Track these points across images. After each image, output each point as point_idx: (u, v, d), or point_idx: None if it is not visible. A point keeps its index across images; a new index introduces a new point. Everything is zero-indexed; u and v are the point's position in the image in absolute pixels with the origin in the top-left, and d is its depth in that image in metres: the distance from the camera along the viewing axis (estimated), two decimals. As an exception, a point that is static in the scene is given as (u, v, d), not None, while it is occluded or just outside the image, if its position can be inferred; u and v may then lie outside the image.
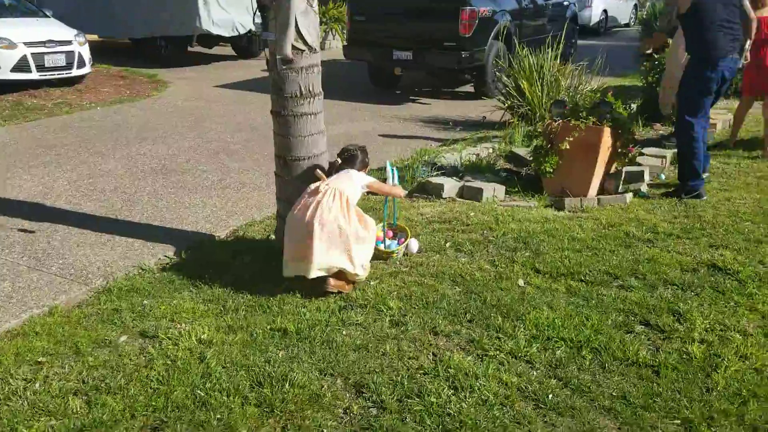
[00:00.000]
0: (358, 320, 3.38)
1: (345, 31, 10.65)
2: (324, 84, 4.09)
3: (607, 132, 5.40)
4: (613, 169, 5.68)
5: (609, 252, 4.21)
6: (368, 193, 4.43)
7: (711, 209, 5.03)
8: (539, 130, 5.66)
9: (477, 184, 5.56)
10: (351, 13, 10.00)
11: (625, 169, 5.77)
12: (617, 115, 5.57)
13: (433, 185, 5.55)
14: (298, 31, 3.84)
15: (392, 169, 4.33)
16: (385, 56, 9.77)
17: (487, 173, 5.99)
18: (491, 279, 3.84)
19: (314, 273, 3.62)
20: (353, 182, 3.90)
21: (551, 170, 5.50)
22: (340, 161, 4.10)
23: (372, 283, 3.79)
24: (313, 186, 3.83)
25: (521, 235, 4.51)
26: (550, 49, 8.24)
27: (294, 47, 3.85)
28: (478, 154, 6.66)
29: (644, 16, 10.52)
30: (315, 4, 3.93)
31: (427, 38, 9.58)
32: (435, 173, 5.89)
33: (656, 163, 6.20)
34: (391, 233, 4.40)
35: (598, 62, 8.10)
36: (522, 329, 3.25)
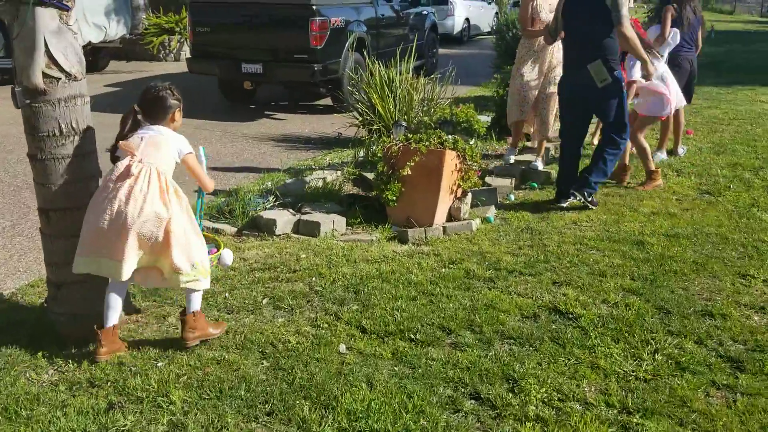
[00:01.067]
0: (126, 426, 2.63)
1: (188, 43, 9.72)
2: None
3: (450, 154, 4.92)
4: (460, 193, 5.24)
5: (446, 298, 3.68)
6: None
7: (557, 235, 4.67)
8: (379, 154, 5.09)
9: (315, 216, 4.91)
10: (193, 23, 9.10)
11: (474, 191, 5.35)
12: (462, 136, 5.13)
13: (265, 220, 4.84)
14: (49, 55, 3.02)
15: (204, 156, 3.41)
16: (233, 69, 8.94)
17: (331, 201, 5.35)
18: (308, 346, 3.19)
19: (126, 275, 2.96)
20: (167, 149, 3.08)
21: (394, 198, 4.96)
22: (139, 111, 3.13)
23: (160, 364, 3.04)
24: (120, 164, 3.02)
25: (353, 282, 3.90)
26: (402, 60, 7.82)
27: (46, 75, 3.03)
28: (324, 178, 6.04)
29: (497, 27, 10.29)
30: (73, 21, 3.12)
31: (277, 50, 8.86)
32: (271, 204, 5.20)
33: (505, 183, 5.83)
34: None
35: (450, 74, 7.72)
36: (330, 421, 2.62)
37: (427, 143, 4.95)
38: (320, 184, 5.85)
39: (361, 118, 7.70)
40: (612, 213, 5.18)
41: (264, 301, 3.68)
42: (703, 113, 8.69)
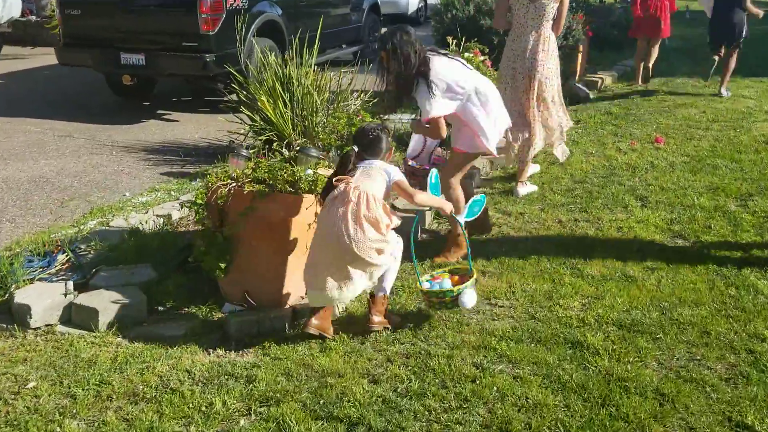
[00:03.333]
0: None
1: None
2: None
3: (306, 201, 3.25)
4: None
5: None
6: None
7: (454, 332, 3.04)
8: (200, 199, 3.36)
9: (98, 297, 3.19)
10: (62, 4, 7.24)
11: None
12: (326, 173, 3.44)
13: (20, 306, 3.14)
14: None
15: (434, 177, 3.29)
16: (110, 61, 7.09)
17: (151, 260, 3.65)
18: None
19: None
20: (380, 178, 3.06)
21: (223, 266, 3.29)
22: (356, 149, 3.14)
23: None
24: (337, 191, 2.98)
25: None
26: (305, 51, 6.09)
27: None
28: (169, 215, 4.32)
29: (438, 6, 8.50)
30: None
31: (162, 37, 7.04)
32: (55, 269, 3.50)
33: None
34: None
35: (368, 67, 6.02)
36: None
37: (271, 183, 3.26)
38: (158, 224, 4.14)
39: (249, 124, 6.00)
40: (546, 277, 3.55)
41: None
42: (676, 114, 7.02)
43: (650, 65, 8.47)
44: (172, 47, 7.01)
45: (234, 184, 3.27)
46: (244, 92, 5.95)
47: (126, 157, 5.96)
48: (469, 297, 3.04)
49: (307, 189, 3.27)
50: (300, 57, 6.00)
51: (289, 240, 3.21)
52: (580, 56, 7.97)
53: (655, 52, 8.45)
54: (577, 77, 8.08)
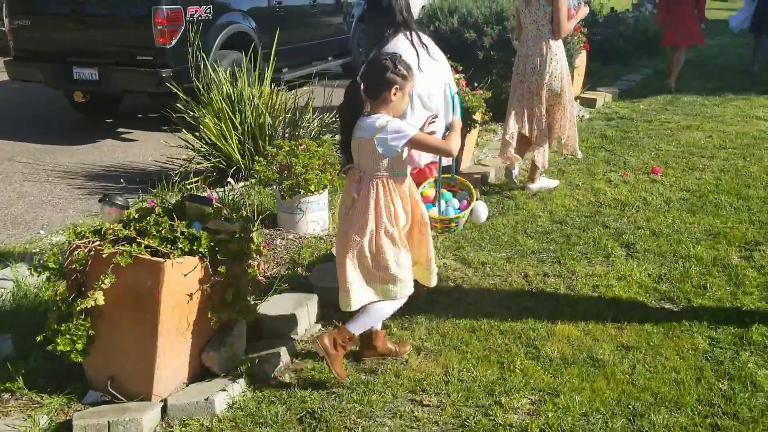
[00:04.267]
0: None
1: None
2: None
3: (173, 270, 2.56)
4: (222, 326, 2.88)
5: None
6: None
7: None
8: (51, 263, 2.69)
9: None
10: (11, 13, 6.67)
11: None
12: (221, 225, 2.75)
13: None
14: None
15: (452, 97, 3.00)
16: (62, 76, 6.51)
17: (24, 322, 3.00)
18: None
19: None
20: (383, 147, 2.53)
21: (83, 347, 2.62)
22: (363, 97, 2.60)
23: None
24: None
25: None
26: (271, 65, 5.44)
27: None
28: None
29: (420, 17, 7.85)
30: None
31: (116, 50, 6.46)
32: None
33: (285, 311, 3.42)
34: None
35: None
36: None
37: (139, 243, 2.59)
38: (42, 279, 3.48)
39: (193, 149, 5.35)
40: (494, 360, 2.81)
41: None
42: (679, 137, 6.23)
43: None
44: (127, 61, 6.42)
45: (97, 242, 2.61)
46: (192, 113, 5.33)
47: (60, 185, 5.35)
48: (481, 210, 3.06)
49: (187, 250, 2.60)
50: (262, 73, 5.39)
51: (160, 315, 2.54)
52: (575, 72, 7.20)
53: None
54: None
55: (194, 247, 2.60)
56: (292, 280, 3.47)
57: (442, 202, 3.04)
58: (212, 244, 2.63)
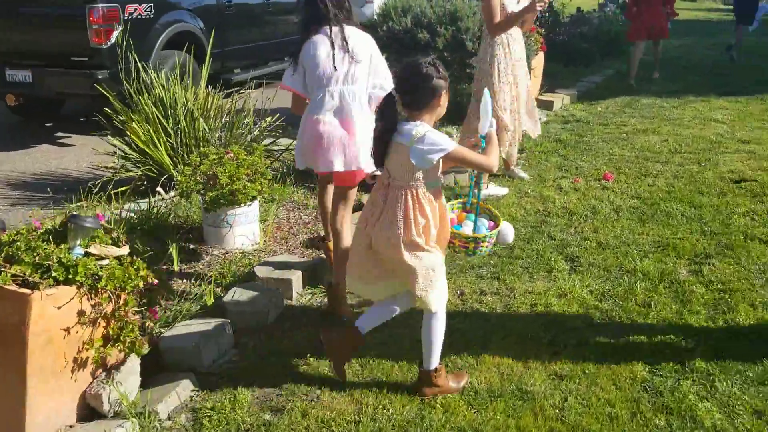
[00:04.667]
0: None
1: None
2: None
3: (61, 297, 2.26)
4: (112, 362, 2.56)
5: None
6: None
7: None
8: None
9: None
10: (-62, 12, 6.26)
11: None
12: (104, 250, 2.45)
13: None
14: None
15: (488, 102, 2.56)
16: (-7, 77, 6.18)
17: None
18: None
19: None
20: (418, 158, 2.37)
21: (-58, 387, 2.31)
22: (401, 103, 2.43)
23: None
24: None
25: None
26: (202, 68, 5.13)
27: None
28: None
29: (374, 18, 7.58)
30: None
31: (49, 50, 6.09)
32: None
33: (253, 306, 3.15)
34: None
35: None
36: None
37: (2, 273, 2.28)
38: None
39: (121, 155, 5.02)
40: (414, 397, 2.56)
41: None
42: (634, 142, 6.03)
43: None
44: (61, 63, 6.05)
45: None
46: (119, 117, 5.00)
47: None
48: (508, 232, 2.73)
49: (62, 279, 2.29)
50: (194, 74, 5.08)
51: (28, 354, 2.23)
52: (532, 73, 6.99)
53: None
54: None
55: (70, 276, 2.30)
56: (206, 303, 3.18)
57: (470, 222, 2.72)
58: (93, 271, 2.33)
